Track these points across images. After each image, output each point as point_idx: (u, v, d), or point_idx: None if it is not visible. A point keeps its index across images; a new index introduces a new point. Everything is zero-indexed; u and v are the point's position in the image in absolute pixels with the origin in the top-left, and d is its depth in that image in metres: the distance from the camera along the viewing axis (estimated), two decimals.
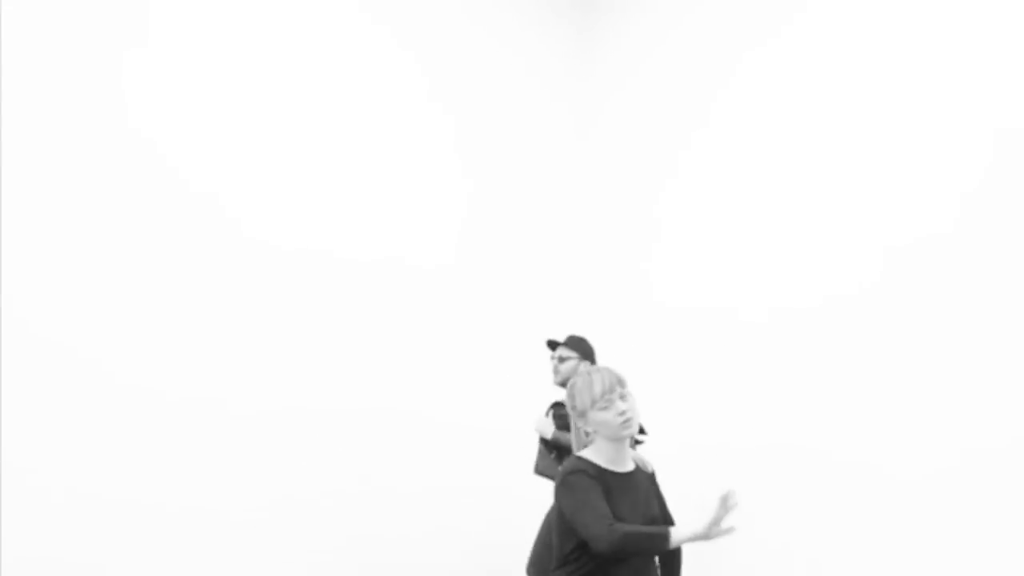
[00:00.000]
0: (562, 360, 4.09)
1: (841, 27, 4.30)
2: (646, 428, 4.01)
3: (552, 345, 4.16)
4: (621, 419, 2.34)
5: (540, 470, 3.97)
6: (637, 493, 2.38)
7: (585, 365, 4.12)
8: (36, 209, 3.76)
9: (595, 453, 2.42)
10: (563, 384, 4.10)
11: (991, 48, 3.72)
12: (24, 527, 3.61)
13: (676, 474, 4.82)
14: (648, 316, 5.14)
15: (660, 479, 4.83)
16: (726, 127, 4.81)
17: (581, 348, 4.14)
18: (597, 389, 2.37)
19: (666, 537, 2.17)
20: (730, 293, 4.69)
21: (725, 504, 2.30)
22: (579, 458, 2.39)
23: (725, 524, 2.68)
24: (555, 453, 3.98)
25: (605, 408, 2.36)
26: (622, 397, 2.36)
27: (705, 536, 2.18)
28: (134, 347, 3.98)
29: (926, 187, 3.91)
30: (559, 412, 3.96)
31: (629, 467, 2.42)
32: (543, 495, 5.16)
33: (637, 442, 3.91)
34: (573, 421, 2.47)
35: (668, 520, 2.55)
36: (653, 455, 4.88)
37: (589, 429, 2.41)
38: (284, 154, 4.51)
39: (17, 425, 3.64)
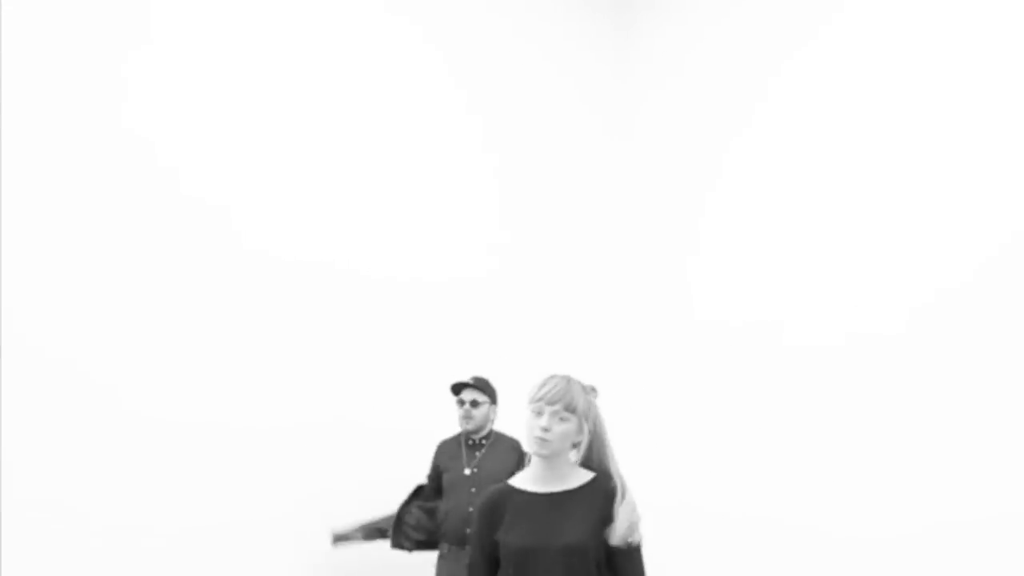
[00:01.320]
0: (475, 404, 3.79)
1: (893, 22, 3.93)
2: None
3: (458, 388, 3.84)
4: (534, 433, 2.25)
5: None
6: (549, 516, 2.23)
7: (494, 410, 3.86)
8: (32, 217, 3.74)
9: (528, 469, 2.36)
10: (476, 430, 3.82)
11: None
12: (17, 538, 3.59)
13: (708, 497, 4.49)
14: (687, 332, 4.85)
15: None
16: (770, 131, 4.49)
17: (490, 391, 3.87)
18: (536, 391, 2.29)
19: None
20: (775, 310, 4.36)
21: None
22: (506, 482, 2.38)
23: None
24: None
25: (533, 414, 2.28)
26: (557, 416, 2.25)
27: None
28: (124, 356, 3.90)
29: (994, 193, 3.47)
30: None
31: (563, 487, 2.28)
32: None
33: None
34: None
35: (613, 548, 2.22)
36: (694, 478, 4.53)
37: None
38: (302, 161, 4.42)
39: (11, 437, 3.61)
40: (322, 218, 4.43)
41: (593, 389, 2.36)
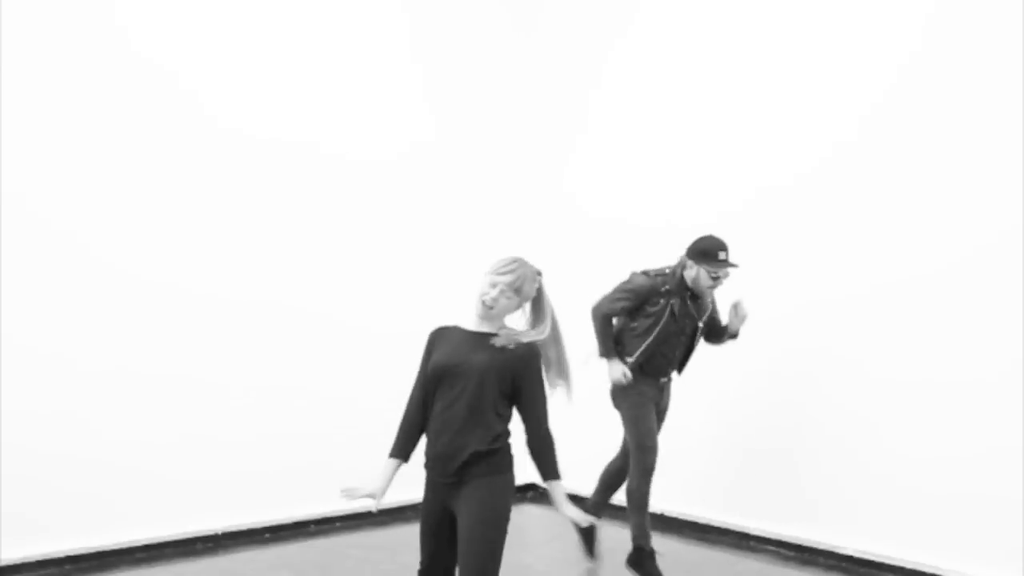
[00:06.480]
0: (720, 281, 4.00)
1: None
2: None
3: (717, 259, 3.93)
4: (483, 299, 2.74)
5: None
6: (469, 346, 2.74)
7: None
8: (16, 99, 3.99)
9: (472, 314, 2.83)
10: (705, 296, 4.08)
11: None
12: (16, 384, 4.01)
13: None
14: (574, 225, 5.58)
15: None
16: (657, 29, 5.13)
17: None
18: (497, 266, 2.76)
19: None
20: (649, 203, 5.09)
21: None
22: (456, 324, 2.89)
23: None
24: None
25: (488, 284, 2.75)
26: (504, 295, 2.72)
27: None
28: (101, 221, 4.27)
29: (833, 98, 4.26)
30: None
31: (483, 330, 2.79)
32: None
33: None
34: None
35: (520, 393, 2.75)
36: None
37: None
38: (235, 42, 4.71)
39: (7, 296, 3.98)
40: (254, 97, 4.78)
41: (539, 273, 2.84)
